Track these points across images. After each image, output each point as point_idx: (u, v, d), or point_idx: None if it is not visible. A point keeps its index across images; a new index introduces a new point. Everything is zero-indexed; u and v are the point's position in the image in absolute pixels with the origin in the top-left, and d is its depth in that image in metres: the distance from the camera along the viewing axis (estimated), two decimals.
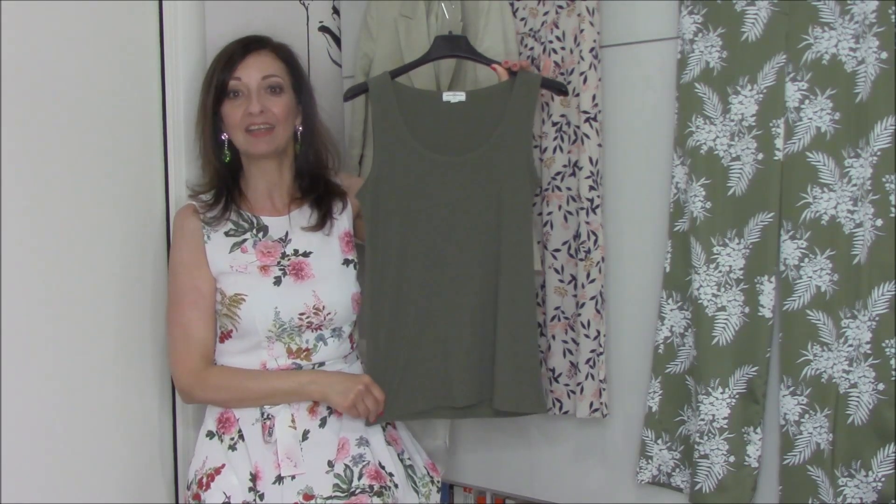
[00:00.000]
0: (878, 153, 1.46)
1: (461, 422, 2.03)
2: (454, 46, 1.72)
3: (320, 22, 2.14)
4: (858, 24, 1.47)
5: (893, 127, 1.44)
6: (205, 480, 1.56)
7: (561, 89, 1.70)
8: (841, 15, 1.48)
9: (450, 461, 2.04)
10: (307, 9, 2.09)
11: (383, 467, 1.62)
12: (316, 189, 1.68)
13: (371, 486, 1.58)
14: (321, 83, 1.90)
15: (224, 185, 1.63)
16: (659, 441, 1.71)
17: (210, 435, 1.61)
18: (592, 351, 1.74)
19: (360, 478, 1.58)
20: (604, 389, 1.75)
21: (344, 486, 1.57)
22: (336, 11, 2.18)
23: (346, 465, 1.58)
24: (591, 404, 1.75)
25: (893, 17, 1.43)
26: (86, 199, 1.57)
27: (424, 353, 1.66)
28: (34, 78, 1.47)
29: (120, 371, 1.64)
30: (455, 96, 1.66)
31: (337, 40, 2.19)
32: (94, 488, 1.59)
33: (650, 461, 1.73)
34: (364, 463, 1.60)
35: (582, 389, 1.75)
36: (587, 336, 1.74)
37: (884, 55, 1.44)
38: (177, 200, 1.72)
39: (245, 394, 1.57)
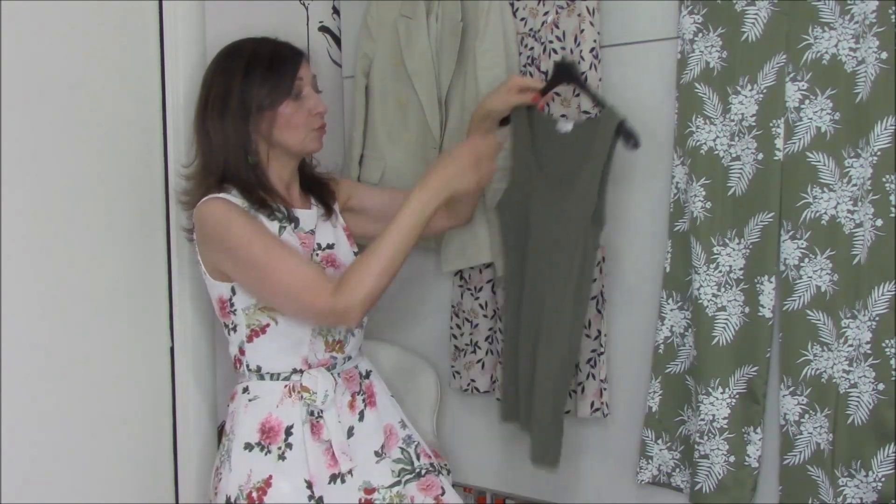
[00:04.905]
0: (878, 153, 1.46)
1: (461, 422, 2.03)
2: (569, 76, 1.67)
3: (320, 22, 2.14)
4: (858, 24, 1.47)
5: (893, 127, 1.45)
6: (255, 495, 1.49)
7: (631, 142, 1.58)
8: (841, 15, 1.48)
9: (450, 461, 2.04)
10: (307, 9, 2.09)
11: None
12: (315, 183, 1.68)
13: (432, 465, 1.62)
14: (321, 83, 1.90)
15: (254, 183, 1.55)
16: (659, 441, 1.71)
17: (249, 447, 1.52)
18: (593, 351, 1.74)
19: (418, 458, 1.62)
20: (605, 389, 1.75)
21: (409, 468, 1.59)
22: (336, 11, 2.18)
23: (402, 448, 1.61)
24: (593, 404, 1.75)
25: (893, 17, 1.43)
26: (86, 198, 1.57)
27: (519, 366, 1.72)
28: (34, 78, 1.47)
29: (119, 370, 1.64)
30: (565, 125, 1.67)
31: (337, 40, 2.19)
32: (94, 488, 1.59)
33: (650, 461, 1.73)
34: (415, 443, 1.63)
35: (583, 389, 1.75)
36: (588, 336, 1.74)
37: (884, 55, 1.44)
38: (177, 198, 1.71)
39: (389, 259, 1.44)
